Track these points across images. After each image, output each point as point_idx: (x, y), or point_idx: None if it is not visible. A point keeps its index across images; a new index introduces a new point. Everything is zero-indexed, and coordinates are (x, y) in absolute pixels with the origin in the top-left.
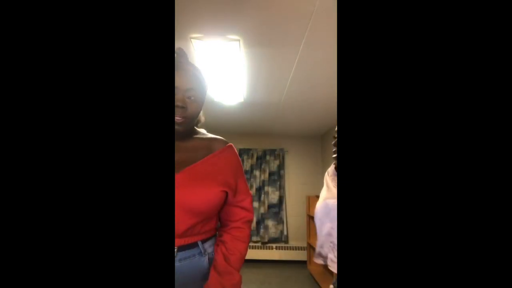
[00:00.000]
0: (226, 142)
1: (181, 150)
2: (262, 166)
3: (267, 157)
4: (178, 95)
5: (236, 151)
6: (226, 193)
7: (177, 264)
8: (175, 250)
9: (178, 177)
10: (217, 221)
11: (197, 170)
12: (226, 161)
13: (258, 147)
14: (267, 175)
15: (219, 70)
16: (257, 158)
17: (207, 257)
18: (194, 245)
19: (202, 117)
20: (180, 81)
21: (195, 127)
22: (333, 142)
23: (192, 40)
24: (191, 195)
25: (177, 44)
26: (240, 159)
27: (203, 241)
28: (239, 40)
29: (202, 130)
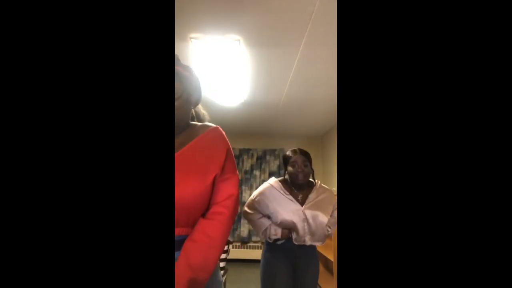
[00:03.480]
0: (209, 126)
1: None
2: (262, 166)
3: (267, 157)
4: None
5: (222, 132)
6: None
7: None
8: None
9: None
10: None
11: (182, 158)
12: (213, 143)
13: (258, 147)
14: (267, 175)
15: (219, 70)
16: (257, 158)
17: None
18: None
19: (202, 114)
20: None
21: (190, 122)
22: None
23: (192, 40)
24: (178, 188)
25: (177, 44)
26: (227, 140)
27: None
28: (239, 40)
29: (194, 123)
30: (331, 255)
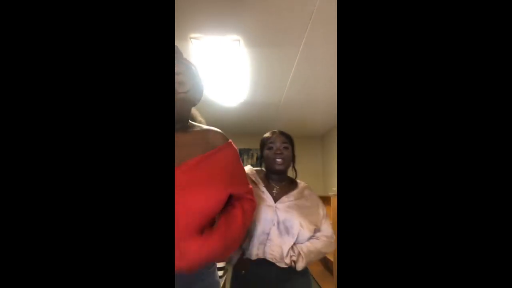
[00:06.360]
0: (224, 137)
1: (176, 145)
2: (262, 166)
3: None
4: None
5: (235, 147)
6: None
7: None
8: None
9: (176, 174)
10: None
11: (198, 167)
12: (229, 159)
13: (258, 147)
14: None
15: (219, 70)
16: (257, 158)
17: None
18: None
19: (198, 117)
20: None
21: (190, 121)
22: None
23: (192, 40)
24: (195, 196)
25: (177, 44)
26: (239, 154)
27: None
28: (239, 40)
29: (197, 124)
30: (331, 255)
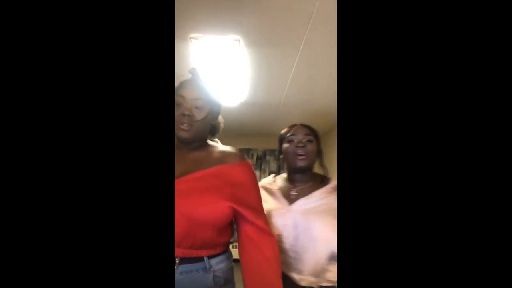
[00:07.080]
0: (242, 157)
1: (188, 160)
2: (262, 166)
3: (267, 157)
4: (185, 105)
5: (253, 168)
6: (234, 209)
7: (177, 277)
8: (177, 261)
9: (177, 183)
10: (229, 235)
11: (201, 178)
12: (239, 176)
13: (258, 147)
14: (267, 175)
15: (218, 70)
16: (257, 158)
17: (212, 274)
18: (198, 259)
19: (220, 124)
20: (187, 92)
21: (208, 141)
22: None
23: (191, 40)
24: (192, 205)
25: (177, 44)
26: (256, 177)
27: (210, 257)
28: (239, 40)
29: (216, 144)
30: None
